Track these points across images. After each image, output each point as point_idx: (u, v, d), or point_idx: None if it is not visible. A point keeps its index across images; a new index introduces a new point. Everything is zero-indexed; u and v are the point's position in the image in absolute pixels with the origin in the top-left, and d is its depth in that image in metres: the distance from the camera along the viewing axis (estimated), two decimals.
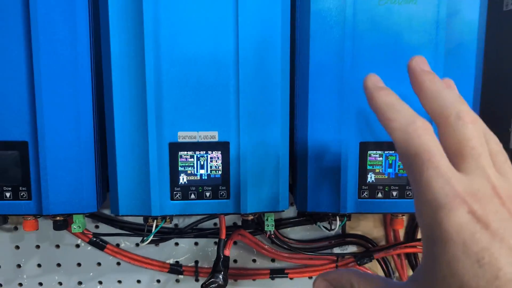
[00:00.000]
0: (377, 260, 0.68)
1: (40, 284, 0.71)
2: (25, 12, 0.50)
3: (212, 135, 0.53)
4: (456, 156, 0.25)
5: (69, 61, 0.51)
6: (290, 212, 0.69)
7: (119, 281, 0.71)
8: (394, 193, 0.55)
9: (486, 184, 0.24)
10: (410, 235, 0.69)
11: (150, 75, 0.51)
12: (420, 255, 0.68)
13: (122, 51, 0.51)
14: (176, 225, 0.69)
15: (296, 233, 0.71)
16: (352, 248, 0.70)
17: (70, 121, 0.52)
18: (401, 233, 0.70)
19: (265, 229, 0.58)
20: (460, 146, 0.25)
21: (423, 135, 0.25)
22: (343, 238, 0.70)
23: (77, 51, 0.51)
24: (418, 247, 0.66)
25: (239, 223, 0.68)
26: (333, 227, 0.58)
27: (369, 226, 0.70)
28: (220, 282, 0.57)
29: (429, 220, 0.24)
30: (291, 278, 0.71)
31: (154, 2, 0.50)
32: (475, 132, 0.25)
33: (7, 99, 0.51)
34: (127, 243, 0.70)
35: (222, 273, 0.58)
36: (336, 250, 0.70)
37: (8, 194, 0.53)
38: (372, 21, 0.52)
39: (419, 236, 0.69)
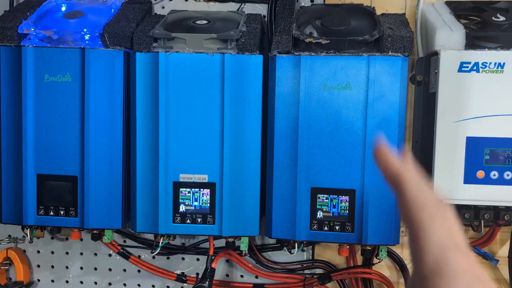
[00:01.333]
0: (337, 281, 0.85)
1: (81, 282, 0.93)
2: (81, 89, 0.74)
3: (204, 177, 0.75)
4: None
5: (108, 124, 0.75)
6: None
7: (139, 285, 0.93)
8: (337, 227, 0.74)
9: None
10: (366, 263, 0.86)
11: (162, 137, 0.73)
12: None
13: (144, 120, 0.74)
14: (183, 243, 0.90)
15: (277, 256, 0.89)
16: (319, 271, 0.88)
17: (106, 164, 0.75)
18: (359, 261, 0.87)
19: (241, 249, 0.77)
20: None
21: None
22: (312, 262, 0.88)
23: (114, 118, 0.75)
24: (366, 273, 0.83)
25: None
26: (292, 251, 0.77)
27: (333, 254, 0.88)
28: (205, 286, 0.77)
29: (436, 258, 0.29)
30: None
31: (166, 92, 0.72)
32: None
33: (66, 149, 0.75)
34: (146, 255, 0.92)
35: (208, 280, 0.78)
36: (306, 272, 0.88)
37: (62, 212, 0.77)
38: (319, 101, 0.72)
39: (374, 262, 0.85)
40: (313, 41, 0.71)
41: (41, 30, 0.75)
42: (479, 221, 0.77)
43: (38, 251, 0.93)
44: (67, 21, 0.78)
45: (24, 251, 0.93)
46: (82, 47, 0.74)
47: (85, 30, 0.74)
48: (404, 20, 0.76)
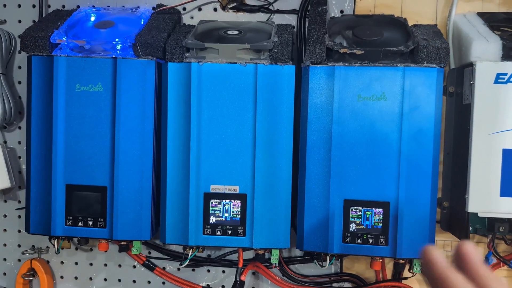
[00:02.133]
0: None
1: None
2: (112, 99, 0.74)
3: (235, 189, 0.74)
4: None
5: (139, 134, 0.74)
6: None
7: None
8: (371, 240, 0.72)
9: None
10: (396, 277, 0.84)
11: (194, 148, 0.73)
12: None
13: (175, 130, 0.73)
14: (209, 255, 0.89)
15: (304, 269, 0.88)
16: (347, 284, 0.86)
17: (136, 174, 0.75)
18: (389, 275, 0.85)
19: (271, 261, 0.76)
20: None
21: None
22: (340, 276, 0.86)
23: (144, 128, 0.74)
24: (396, 287, 0.82)
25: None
26: (324, 264, 0.75)
27: (362, 268, 0.86)
28: None
29: None
30: None
31: (198, 102, 0.72)
32: None
33: (96, 159, 0.75)
34: (171, 267, 0.90)
35: None
36: (334, 285, 0.86)
37: (90, 223, 0.76)
38: (353, 112, 0.71)
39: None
40: (348, 52, 0.71)
41: (73, 40, 0.75)
42: None
43: (62, 262, 0.92)
44: (98, 31, 0.78)
45: (48, 261, 0.92)
46: (114, 57, 0.73)
47: (117, 40, 0.74)
48: (437, 31, 0.76)
